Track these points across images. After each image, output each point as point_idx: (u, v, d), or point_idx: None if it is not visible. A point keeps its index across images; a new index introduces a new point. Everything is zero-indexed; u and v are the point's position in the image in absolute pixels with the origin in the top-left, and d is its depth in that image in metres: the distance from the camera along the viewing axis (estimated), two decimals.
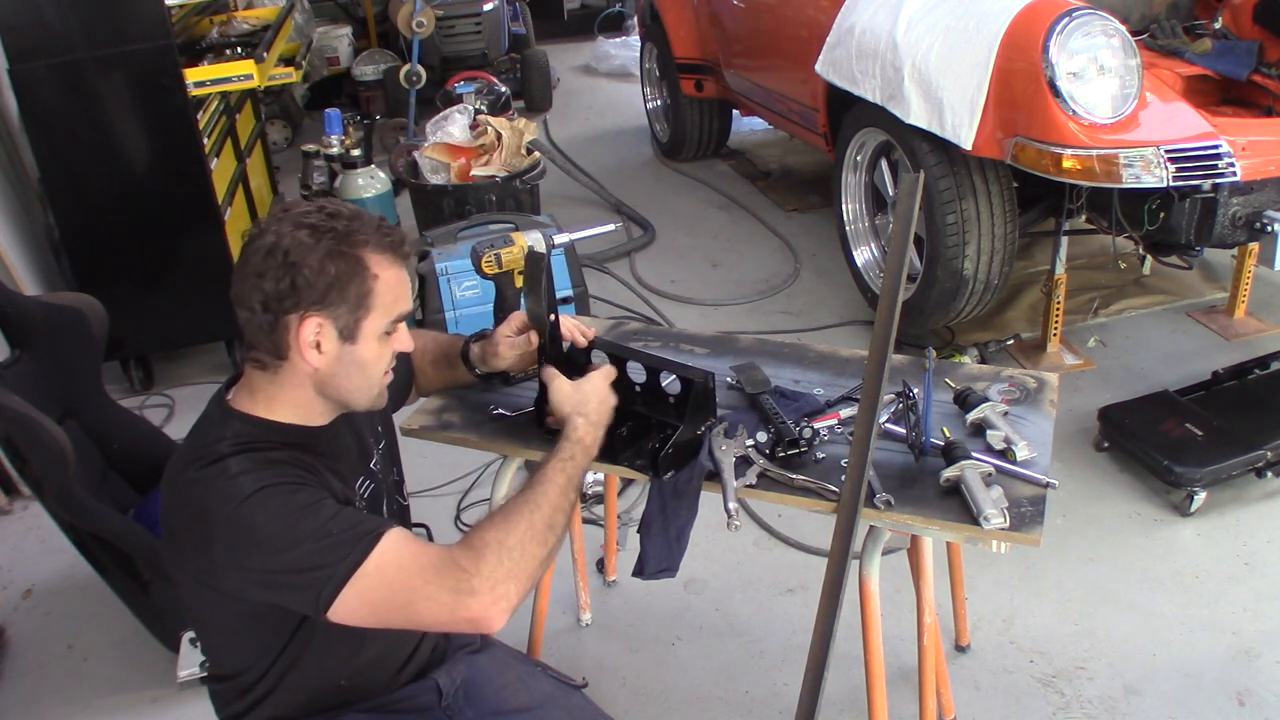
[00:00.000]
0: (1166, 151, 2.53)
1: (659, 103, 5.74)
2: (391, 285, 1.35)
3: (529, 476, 1.45)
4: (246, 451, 1.31)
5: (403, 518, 1.66)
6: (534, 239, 1.85)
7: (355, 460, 1.50)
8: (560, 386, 1.56)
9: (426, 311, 3.46)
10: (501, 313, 1.82)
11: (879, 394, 1.47)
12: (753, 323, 3.77)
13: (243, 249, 1.34)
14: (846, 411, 1.69)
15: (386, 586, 1.27)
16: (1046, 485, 1.50)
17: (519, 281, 1.80)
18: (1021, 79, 2.66)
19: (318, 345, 1.32)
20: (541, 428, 1.68)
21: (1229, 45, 3.07)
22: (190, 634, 2.24)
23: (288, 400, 1.37)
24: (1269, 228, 2.67)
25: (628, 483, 2.78)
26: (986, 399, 1.68)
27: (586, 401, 1.54)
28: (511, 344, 1.70)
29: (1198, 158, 2.53)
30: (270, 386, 1.37)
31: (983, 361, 3.19)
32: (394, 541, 1.29)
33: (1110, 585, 2.43)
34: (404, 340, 1.42)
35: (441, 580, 1.27)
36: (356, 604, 1.26)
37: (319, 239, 1.29)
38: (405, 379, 1.76)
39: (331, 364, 1.34)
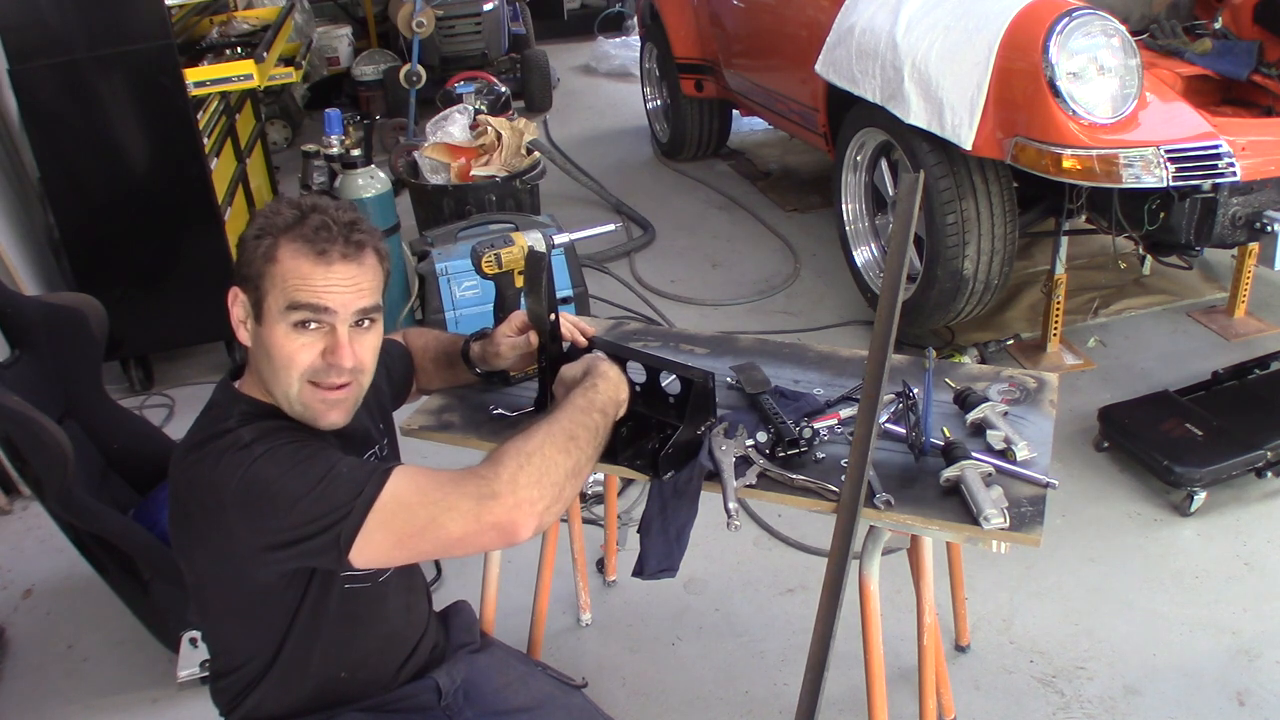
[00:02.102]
0: (1166, 151, 2.53)
1: (659, 103, 5.74)
2: (291, 271, 1.30)
3: None
4: (255, 422, 1.33)
5: None
6: (534, 239, 1.84)
7: (360, 450, 1.50)
8: (568, 365, 1.58)
9: (426, 311, 3.47)
10: (501, 313, 1.82)
11: (879, 394, 1.47)
12: (753, 323, 3.77)
13: None
14: (846, 411, 1.69)
15: (406, 510, 1.26)
16: (1046, 485, 1.50)
17: (519, 281, 1.80)
18: (1021, 79, 2.66)
19: (245, 323, 1.36)
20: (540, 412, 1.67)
21: (1229, 45, 3.07)
22: (190, 634, 2.24)
23: None
24: (1269, 228, 2.67)
25: (628, 483, 2.78)
26: (986, 399, 1.68)
27: (599, 359, 1.56)
28: (512, 344, 1.70)
29: (1198, 158, 2.53)
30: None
31: (983, 361, 3.19)
32: (406, 471, 1.30)
33: (1110, 585, 2.43)
34: (341, 350, 1.32)
35: (461, 489, 1.27)
36: (380, 536, 1.26)
37: (256, 220, 1.34)
38: (405, 377, 1.77)
39: (256, 347, 1.36)
